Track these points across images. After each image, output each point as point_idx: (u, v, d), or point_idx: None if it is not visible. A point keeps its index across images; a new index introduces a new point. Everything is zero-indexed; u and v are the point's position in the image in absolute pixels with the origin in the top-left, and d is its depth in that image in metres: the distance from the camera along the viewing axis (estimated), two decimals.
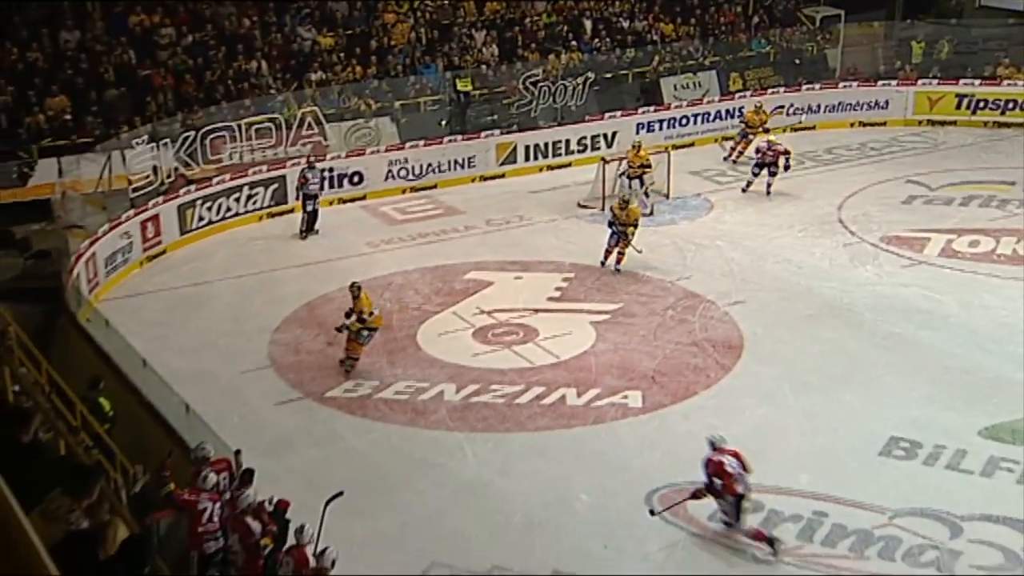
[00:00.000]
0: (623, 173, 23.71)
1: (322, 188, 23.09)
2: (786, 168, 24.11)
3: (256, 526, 11.45)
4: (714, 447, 12.78)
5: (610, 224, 20.26)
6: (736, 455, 12.67)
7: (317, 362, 17.22)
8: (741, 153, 26.45)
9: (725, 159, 26.82)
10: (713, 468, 12.52)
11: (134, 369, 15.62)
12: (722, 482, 12.43)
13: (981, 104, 29.05)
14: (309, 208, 22.61)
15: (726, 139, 28.00)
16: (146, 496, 12.37)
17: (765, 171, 24.16)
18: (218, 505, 11.56)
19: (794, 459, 14.30)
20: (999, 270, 20.20)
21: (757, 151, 24.59)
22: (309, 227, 22.65)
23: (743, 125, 26.79)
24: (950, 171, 25.51)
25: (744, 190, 24.44)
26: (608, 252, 20.34)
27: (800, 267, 20.53)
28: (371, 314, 16.53)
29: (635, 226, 20.15)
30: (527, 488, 13.82)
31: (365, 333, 16.54)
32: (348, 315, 16.58)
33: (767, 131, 25.78)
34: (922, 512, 13.06)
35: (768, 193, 24.12)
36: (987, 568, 12.16)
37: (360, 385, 16.46)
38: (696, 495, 12.63)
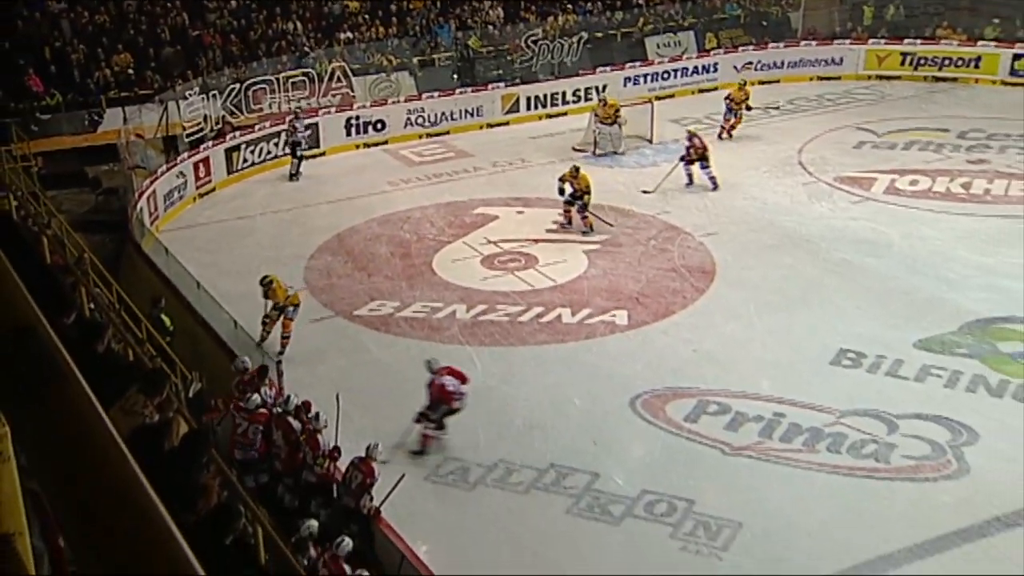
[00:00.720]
0: (598, 124, 23.34)
1: (308, 138, 22.62)
2: (704, 167, 20.87)
3: (296, 424, 11.56)
4: (432, 371, 12.63)
5: (560, 192, 19.09)
6: (452, 373, 12.61)
7: (346, 285, 17.21)
8: (734, 127, 24.14)
9: (719, 137, 23.87)
10: (436, 393, 12.43)
11: (190, 290, 15.70)
12: (444, 401, 12.39)
13: (922, 61, 28.68)
14: (298, 154, 22.27)
15: (702, 90, 27.78)
16: (202, 399, 12.48)
17: (697, 166, 20.88)
18: (255, 426, 11.58)
19: (757, 368, 14.35)
20: (935, 205, 20.05)
21: (686, 138, 21.35)
22: (297, 170, 22.31)
23: (728, 101, 24.22)
24: (894, 119, 25.25)
25: (688, 184, 20.99)
26: (567, 212, 19.09)
27: (765, 203, 20.39)
28: (287, 297, 14.91)
29: (589, 193, 18.84)
30: (528, 394, 13.88)
31: (291, 309, 14.91)
32: (276, 308, 15.02)
33: (749, 108, 24.12)
34: (864, 412, 13.13)
35: (715, 187, 20.79)
36: (916, 458, 12.28)
37: (383, 305, 16.46)
38: (420, 420, 12.49)
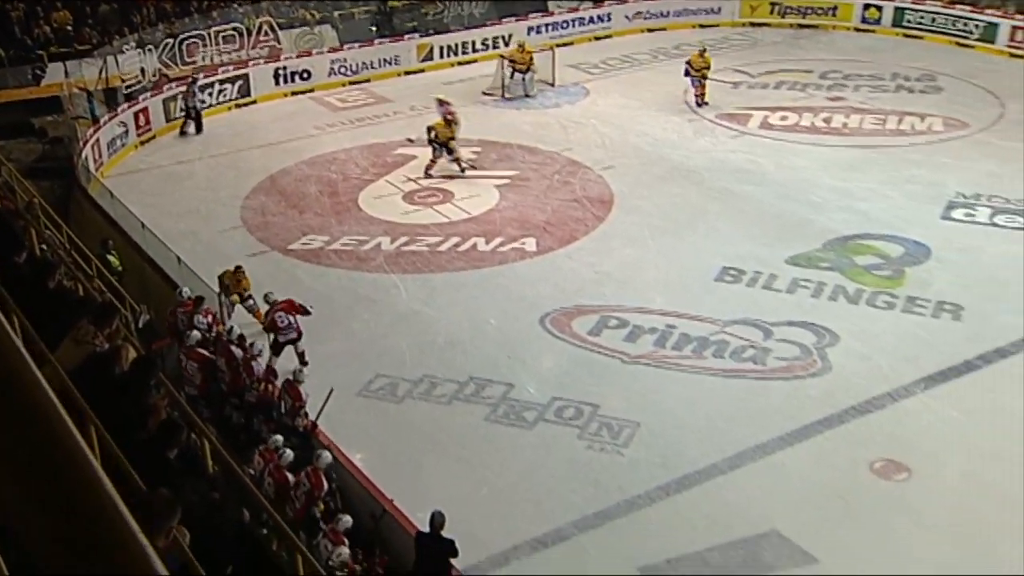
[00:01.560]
0: (513, 71, 23.01)
1: (203, 100, 21.50)
2: (450, 153, 18.41)
3: (238, 352, 11.39)
4: (268, 303, 12.48)
5: (430, 142, 18.27)
6: (285, 308, 12.33)
7: (280, 222, 16.87)
8: (703, 95, 21.97)
9: (698, 104, 22.04)
10: (268, 324, 12.37)
11: (135, 230, 15.31)
12: (275, 334, 12.29)
13: (788, 10, 28.73)
14: (197, 112, 21.03)
15: (598, 38, 27.53)
16: (153, 329, 12.24)
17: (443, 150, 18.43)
18: (192, 363, 11.35)
19: (651, 286, 14.50)
20: (802, 138, 20.27)
21: (437, 104, 19.43)
22: (199, 128, 21.01)
23: (688, 66, 22.11)
24: (766, 62, 25.33)
25: (463, 170, 18.42)
26: (432, 163, 18.26)
27: (655, 139, 20.41)
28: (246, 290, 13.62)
29: (453, 138, 18.18)
30: (448, 315, 13.85)
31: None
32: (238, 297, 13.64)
33: (705, 77, 21.90)
34: (744, 321, 13.39)
35: (462, 171, 18.42)
36: (788, 359, 12.61)
37: (314, 240, 16.19)
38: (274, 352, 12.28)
